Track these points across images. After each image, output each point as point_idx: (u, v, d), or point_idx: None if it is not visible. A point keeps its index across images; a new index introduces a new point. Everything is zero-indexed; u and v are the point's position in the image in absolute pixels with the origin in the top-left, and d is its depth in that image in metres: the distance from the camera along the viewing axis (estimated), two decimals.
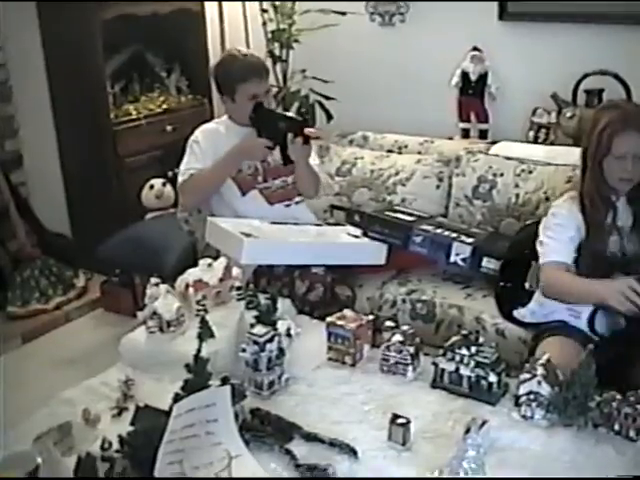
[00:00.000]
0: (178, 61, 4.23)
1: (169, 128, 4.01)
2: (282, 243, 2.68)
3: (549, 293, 2.40)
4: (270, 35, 3.89)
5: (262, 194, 2.90)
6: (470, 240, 2.81)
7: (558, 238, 2.40)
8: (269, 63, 3.90)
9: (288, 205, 2.96)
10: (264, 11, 3.89)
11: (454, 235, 2.84)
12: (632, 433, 1.84)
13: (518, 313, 2.55)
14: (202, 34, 4.18)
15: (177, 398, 1.80)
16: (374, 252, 2.86)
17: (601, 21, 3.35)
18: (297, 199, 2.99)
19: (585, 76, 3.37)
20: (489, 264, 2.75)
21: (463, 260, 2.78)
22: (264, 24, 3.88)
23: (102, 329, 3.69)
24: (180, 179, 2.89)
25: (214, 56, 4.11)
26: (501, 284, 2.67)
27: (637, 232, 2.35)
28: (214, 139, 2.89)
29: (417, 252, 2.85)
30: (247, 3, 4.03)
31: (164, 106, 4.09)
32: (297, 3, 3.81)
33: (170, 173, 3.68)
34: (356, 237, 2.88)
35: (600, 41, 3.38)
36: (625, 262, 2.35)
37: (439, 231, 2.88)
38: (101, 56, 3.78)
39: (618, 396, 1.87)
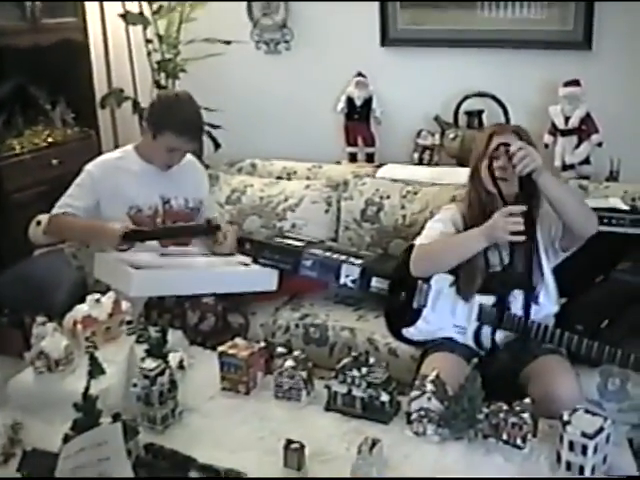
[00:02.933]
0: (63, 93, 4.13)
1: (55, 162, 3.92)
2: (171, 274, 2.66)
3: (420, 266, 2.49)
4: (156, 65, 3.87)
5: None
6: (359, 262, 2.86)
7: (432, 227, 2.55)
8: (155, 94, 3.90)
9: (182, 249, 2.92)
10: (148, 41, 3.86)
11: (343, 257, 2.89)
12: (519, 441, 1.91)
13: (407, 332, 2.60)
14: (86, 65, 4.10)
15: (67, 439, 1.76)
16: (265, 278, 2.87)
17: (477, 45, 3.49)
18: (194, 249, 2.96)
19: (465, 98, 3.50)
20: (378, 284, 2.80)
21: (353, 281, 2.83)
22: (149, 54, 3.86)
23: None
24: (54, 210, 2.82)
25: (99, 87, 4.07)
26: (390, 304, 2.72)
27: (514, 246, 2.43)
28: (111, 171, 2.83)
29: (307, 276, 2.88)
30: (131, 34, 4.00)
31: (49, 139, 3.98)
32: (182, 33, 3.81)
33: None
34: (246, 265, 2.88)
35: (478, 64, 3.52)
36: (505, 276, 2.44)
37: (328, 254, 2.92)
38: None
39: (505, 407, 1.94)
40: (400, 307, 2.63)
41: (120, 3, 3.88)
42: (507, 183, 2.41)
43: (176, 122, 2.75)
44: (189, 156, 2.98)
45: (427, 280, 2.55)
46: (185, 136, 2.78)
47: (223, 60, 3.77)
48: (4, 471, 1.86)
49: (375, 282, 2.81)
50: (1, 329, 3.72)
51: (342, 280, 2.84)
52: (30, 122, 4.04)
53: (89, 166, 2.86)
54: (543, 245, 2.47)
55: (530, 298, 2.41)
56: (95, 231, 2.74)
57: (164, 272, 2.65)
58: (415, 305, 2.57)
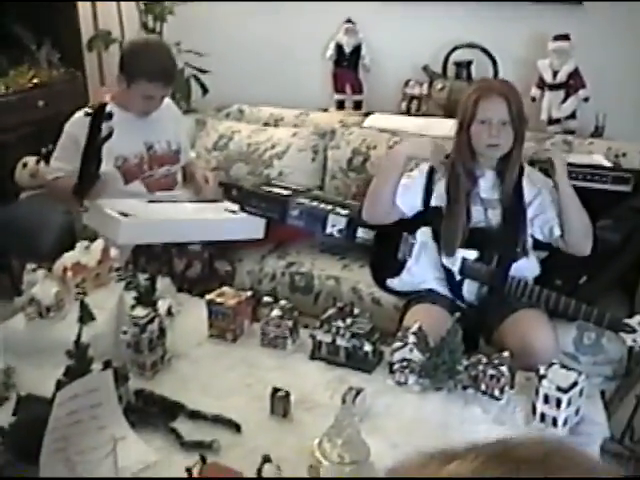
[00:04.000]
0: (48, 34, 4.08)
1: (41, 103, 3.89)
2: (159, 222, 2.69)
3: (367, 210, 2.62)
4: (143, 7, 3.82)
5: (143, 183, 2.89)
6: (345, 212, 2.91)
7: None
8: (142, 34, 3.86)
9: (169, 193, 2.95)
10: None
11: (329, 207, 2.93)
12: (497, 392, 1.98)
13: (391, 282, 2.66)
14: (72, 6, 4.05)
15: (59, 385, 1.81)
16: (252, 226, 2.91)
17: None
18: (180, 187, 3.00)
19: (454, 49, 3.50)
20: (364, 234, 2.85)
21: (339, 231, 2.88)
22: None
23: None
24: (49, 175, 2.89)
25: (85, 29, 4.02)
26: (375, 255, 2.77)
27: (502, 206, 2.48)
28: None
29: (294, 225, 2.92)
30: None
31: (35, 80, 3.95)
32: None
33: (44, 150, 3.57)
34: (234, 212, 2.91)
35: (469, 15, 3.51)
36: (489, 235, 2.49)
37: (315, 204, 2.95)
38: None
39: (484, 359, 2.00)
40: (385, 258, 2.68)
41: None
42: (497, 148, 2.43)
43: (148, 69, 2.76)
44: (165, 99, 2.99)
45: (412, 232, 2.59)
46: (158, 82, 2.79)
47: (212, 4, 3.74)
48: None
49: (361, 232, 2.85)
50: None
51: (328, 230, 2.89)
52: (15, 62, 3.99)
53: (68, 127, 2.86)
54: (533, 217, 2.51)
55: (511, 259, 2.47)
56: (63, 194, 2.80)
57: (152, 220, 2.68)
58: (399, 256, 2.62)
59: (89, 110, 2.85)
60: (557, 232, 2.45)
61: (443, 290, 2.52)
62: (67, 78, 4.09)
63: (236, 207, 2.93)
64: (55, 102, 3.83)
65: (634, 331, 2.20)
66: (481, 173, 2.50)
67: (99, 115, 2.62)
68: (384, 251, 2.70)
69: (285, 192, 3.03)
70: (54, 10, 3.98)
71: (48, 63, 4.03)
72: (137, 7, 3.83)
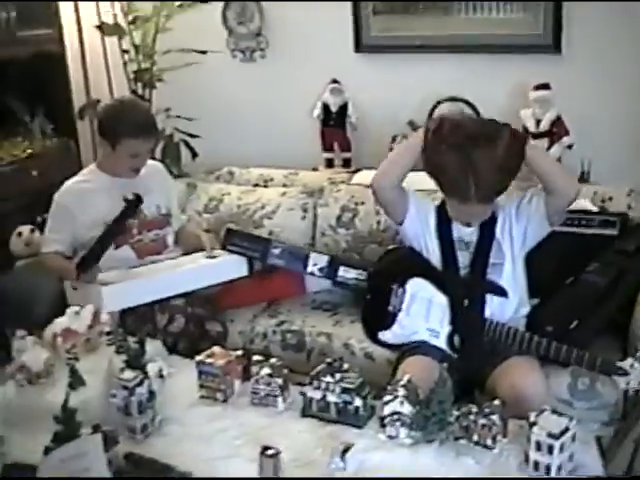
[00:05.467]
0: (41, 104, 4.15)
1: (35, 173, 3.93)
2: (140, 282, 2.72)
3: (379, 174, 2.61)
4: (133, 75, 3.90)
5: (133, 248, 2.91)
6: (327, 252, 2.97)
7: None
8: None
9: (158, 258, 2.97)
10: (125, 52, 3.90)
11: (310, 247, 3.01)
12: (489, 442, 1.96)
13: (383, 335, 2.65)
14: (64, 76, 4.12)
15: (47, 451, 1.80)
16: (234, 266, 2.92)
17: (449, 50, 3.56)
18: (169, 251, 3.01)
19: (438, 103, 3.55)
20: (346, 273, 2.88)
21: (320, 270, 2.90)
22: (125, 64, 3.89)
23: None
24: (44, 248, 2.93)
25: (77, 98, 4.09)
26: (366, 308, 2.77)
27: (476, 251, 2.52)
28: (81, 196, 2.86)
29: (275, 264, 2.92)
30: (108, 44, 4.03)
31: (29, 151, 4.00)
32: (158, 42, 3.85)
33: (39, 219, 3.61)
34: (212, 257, 2.92)
35: (449, 69, 3.58)
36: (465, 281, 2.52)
37: (296, 244, 3.01)
38: None
39: (474, 409, 1.99)
40: (376, 310, 2.68)
41: (96, 14, 3.91)
42: (472, 223, 2.51)
43: (130, 126, 2.79)
44: (153, 163, 3.04)
45: (402, 285, 2.60)
46: (143, 136, 2.82)
47: (199, 69, 3.81)
48: None
49: (342, 271, 2.88)
50: None
51: (310, 268, 2.91)
52: (9, 134, 4.06)
53: (58, 197, 2.90)
54: (509, 243, 2.52)
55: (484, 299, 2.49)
56: (61, 273, 2.85)
57: (132, 282, 2.71)
58: (390, 309, 2.63)
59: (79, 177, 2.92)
60: (540, 197, 2.44)
61: (435, 341, 2.52)
62: (60, 147, 4.12)
63: (217, 252, 2.94)
64: (49, 172, 3.87)
65: (627, 374, 2.18)
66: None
67: (134, 206, 2.74)
68: (375, 304, 2.70)
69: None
70: (47, 80, 4.05)
71: (42, 133, 4.09)
72: (125, 75, 3.90)
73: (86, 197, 2.85)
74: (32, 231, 3.80)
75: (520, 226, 2.49)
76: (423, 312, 2.55)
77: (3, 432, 2.09)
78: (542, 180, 2.40)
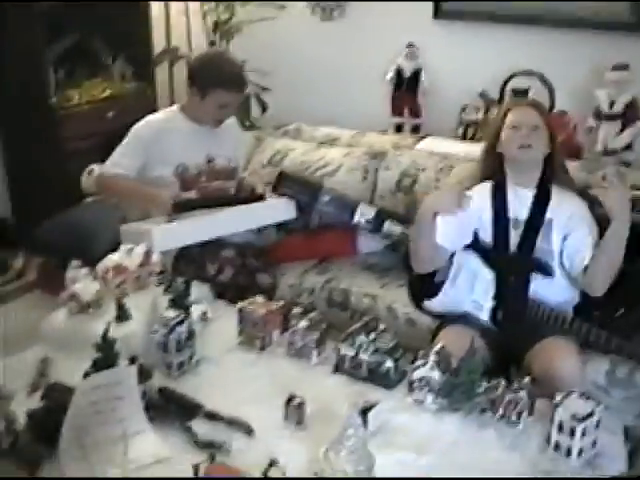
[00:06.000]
0: (123, 49, 4.26)
1: (111, 115, 4.05)
2: (189, 222, 2.75)
3: (414, 266, 2.56)
4: (212, 26, 3.95)
5: (199, 193, 2.93)
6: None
7: None
8: None
9: None
10: (206, 1, 3.95)
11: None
12: (514, 417, 1.96)
13: (428, 303, 2.65)
14: (146, 23, 4.21)
15: (85, 376, 1.89)
16: (282, 209, 2.95)
17: (530, 23, 3.49)
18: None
19: (512, 76, 3.49)
20: (392, 226, 2.90)
21: (367, 221, 2.93)
22: (205, 15, 3.94)
23: (37, 311, 3.71)
24: (105, 169, 2.94)
25: (157, 44, 4.17)
26: (413, 275, 2.78)
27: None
28: (159, 133, 2.91)
29: (323, 211, 2.94)
30: None
31: (107, 92, 4.12)
32: None
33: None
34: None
35: (528, 42, 3.52)
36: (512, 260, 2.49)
37: (346, 194, 3.01)
38: (40, 41, 3.79)
39: (503, 383, 1.99)
40: (422, 278, 2.68)
41: None
42: (529, 149, 2.44)
43: (224, 78, 2.86)
44: (231, 118, 3.07)
45: (451, 256, 2.60)
46: (234, 90, 2.89)
47: (277, 24, 3.85)
48: (30, 401, 1.99)
49: (388, 225, 2.90)
50: (50, 271, 3.91)
51: (356, 218, 2.93)
52: (90, 74, 4.18)
53: (139, 127, 2.96)
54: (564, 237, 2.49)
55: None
56: (146, 197, 2.87)
57: (180, 222, 2.74)
58: (437, 278, 2.62)
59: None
60: (584, 263, 2.38)
61: (478, 313, 2.51)
62: (138, 92, 4.24)
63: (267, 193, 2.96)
64: (125, 114, 3.96)
65: None
66: (514, 194, 2.52)
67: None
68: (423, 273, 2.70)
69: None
70: (130, 26, 4.15)
71: (121, 77, 4.20)
72: (204, 26, 3.95)
73: (163, 134, 2.91)
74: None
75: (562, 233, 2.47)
76: (468, 284, 2.54)
77: (52, 354, 2.21)
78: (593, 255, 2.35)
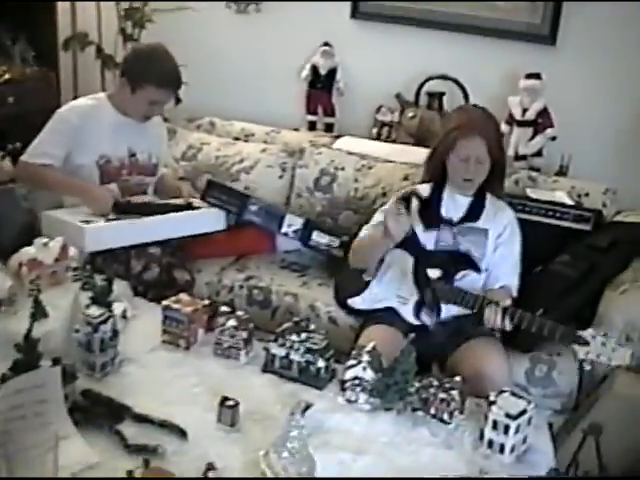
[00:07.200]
0: (25, 31, 4.05)
1: (11, 99, 3.84)
2: (122, 225, 2.67)
3: (352, 261, 2.64)
4: (123, 13, 3.82)
5: (119, 186, 2.86)
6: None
7: (375, 216, 2.66)
8: (120, 41, 3.85)
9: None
10: None
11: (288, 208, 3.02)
12: (446, 416, 1.99)
13: (352, 301, 2.66)
14: (51, 5, 4.03)
15: (5, 378, 1.77)
16: (214, 219, 2.91)
17: (446, 28, 3.54)
18: (148, 198, 2.97)
19: (428, 79, 3.55)
20: (319, 238, 2.90)
21: (294, 232, 2.91)
22: (117, 1, 3.80)
23: None
24: (27, 157, 2.79)
25: (63, 30, 3.99)
26: (341, 274, 2.77)
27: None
28: (86, 119, 2.80)
29: (251, 220, 2.91)
30: None
31: (7, 76, 3.91)
32: None
33: (10, 146, 3.54)
34: (194, 208, 2.90)
35: (444, 47, 3.58)
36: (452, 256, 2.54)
37: (274, 203, 3.01)
38: None
39: (435, 382, 2.01)
40: (350, 278, 2.68)
41: None
42: (472, 183, 2.54)
43: (157, 75, 2.78)
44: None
45: None
46: (167, 88, 2.82)
47: (191, 15, 3.76)
48: None
49: (316, 236, 2.90)
50: None
51: (284, 229, 2.91)
52: None
53: (65, 112, 2.83)
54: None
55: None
56: (82, 193, 2.75)
57: (115, 224, 2.66)
58: (364, 277, 2.63)
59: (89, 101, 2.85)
60: (498, 283, 2.51)
61: (402, 308, 2.52)
62: (40, 76, 4.03)
63: (197, 202, 2.92)
64: (25, 100, 3.80)
65: (587, 343, 2.19)
66: (451, 198, 2.58)
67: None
68: (350, 271, 2.70)
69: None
70: (33, 8, 3.95)
71: (22, 60, 3.99)
72: (117, 12, 3.82)
73: (89, 122, 2.80)
74: (2, 158, 3.72)
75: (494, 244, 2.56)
76: (396, 281, 2.56)
77: None
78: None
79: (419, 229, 2.54)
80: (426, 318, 2.49)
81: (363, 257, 2.59)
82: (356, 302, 2.64)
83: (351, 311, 2.68)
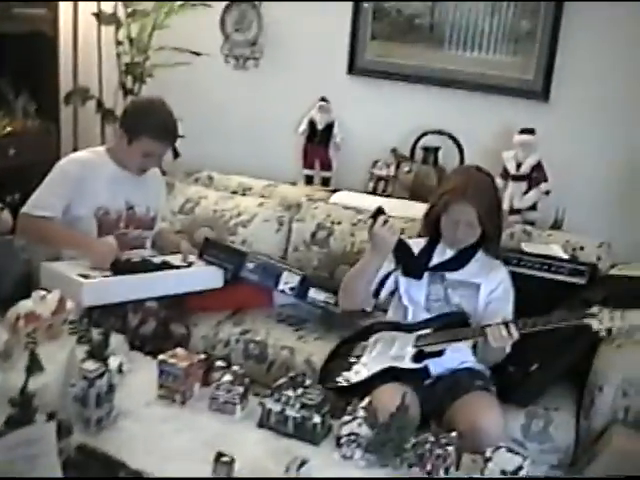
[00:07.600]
0: (27, 84, 4.10)
1: (12, 152, 3.89)
2: (120, 280, 2.67)
3: (342, 301, 2.75)
4: (124, 68, 3.89)
5: (116, 239, 2.87)
6: (300, 272, 2.98)
7: None
8: (120, 96, 3.91)
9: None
10: (119, 43, 3.89)
11: (285, 266, 2.99)
12: (442, 472, 1.97)
13: (347, 375, 2.59)
14: (54, 59, 4.08)
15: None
16: (211, 277, 2.91)
17: (441, 84, 3.61)
18: (146, 252, 2.99)
19: (424, 134, 3.60)
20: (316, 295, 2.92)
21: (291, 289, 2.92)
22: (118, 56, 3.87)
23: None
24: (28, 209, 2.80)
25: (64, 83, 4.06)
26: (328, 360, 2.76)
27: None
28: (85, 172, 2.82)
29: (248, 278, 2.91)
30: (102, 33, 4.01)
31: (8, 129, 3.95)
32: (153, 38, 3.84)
33: (9, 198, 3.57)
34: (191, 264, 2.91)
35: (439, 102, 3.64)
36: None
37: (272, 261, 3.00)
38: None
39: (431, 438, 2.00)
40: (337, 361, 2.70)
41: (95, 2, 3.89)
42: (460, 243, 2.62)
43: (153, 127, 2.80)
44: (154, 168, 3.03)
45: (365, 339, 2.67)
46: (162, 141, 2.84)
47: (191, 70, 3.82)
48: None
49: (313, 292, 2.91)
50: None
51: (281, 286, 2.91)
52: None
53: (65, 164, 2.86)
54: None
55: None
56: (82, 247, 2.76)
57: (113, 279, 2.66)
58: (353, 359, 2.64)
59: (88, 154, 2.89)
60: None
61: (401, 364, 2.50)
62: (41, 130, 4.08)
63: (194, 258, 2.93)
64: (26, 152, 3.83)
65: (596, 315, 2.27)
66: (442, 251, 2.64)
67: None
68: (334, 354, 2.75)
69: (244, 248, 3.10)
70: (36, 62, 4.02)
71: (24, 113, 4.04)
72: (118, 67, 3.89)
73: (89, 174, 2.82)
74: (1, 209, 3.74)
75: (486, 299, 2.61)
76: (386, 347, 2.58)
77: None
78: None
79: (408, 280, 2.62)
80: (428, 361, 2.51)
81: (354, 287, 2.63)
82: (349, 376, 2.58)
83: (343, 390, 2.55)
